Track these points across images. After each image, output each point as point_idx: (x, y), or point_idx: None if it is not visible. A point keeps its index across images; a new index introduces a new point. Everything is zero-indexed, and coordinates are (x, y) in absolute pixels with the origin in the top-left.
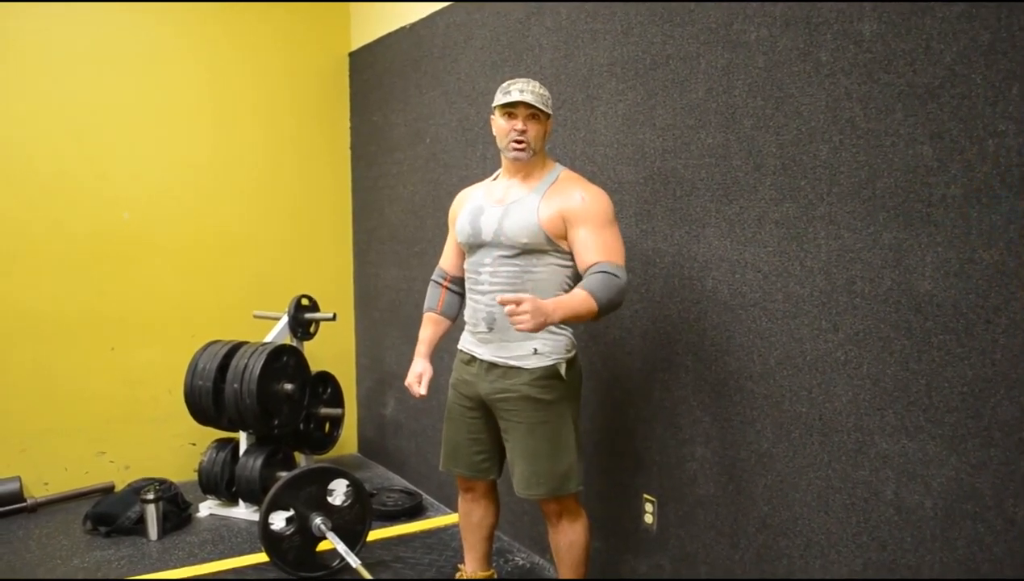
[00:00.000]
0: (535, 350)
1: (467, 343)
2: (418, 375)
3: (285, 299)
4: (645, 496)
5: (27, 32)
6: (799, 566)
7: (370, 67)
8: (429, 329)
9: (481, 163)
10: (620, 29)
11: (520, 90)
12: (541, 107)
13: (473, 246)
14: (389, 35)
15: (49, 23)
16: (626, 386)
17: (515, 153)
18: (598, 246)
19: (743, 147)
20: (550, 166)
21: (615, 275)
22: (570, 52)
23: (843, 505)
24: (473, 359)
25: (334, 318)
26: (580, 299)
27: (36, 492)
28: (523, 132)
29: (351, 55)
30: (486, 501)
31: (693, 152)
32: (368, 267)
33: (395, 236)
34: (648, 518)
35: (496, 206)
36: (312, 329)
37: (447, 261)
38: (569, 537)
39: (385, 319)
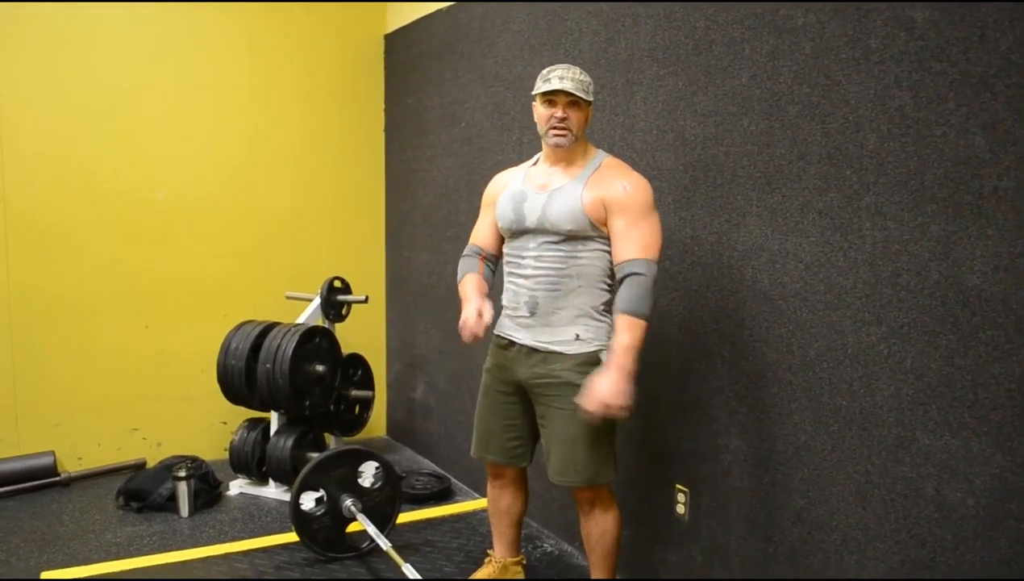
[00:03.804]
0: (577, 336)
1: (505, 328)
2: (477, 308)
3: (317, 281)
4: (678, 486)
5: (63, 12)
6: (834, 561)
7: (405, 50)
8: (474, 281)
9: (517, 148)
10: (662, 13)
11: (560, 77)
12: (581, 95)
13: (516, 232)
14: (425, 18)
15: (88, 3)
16: (661, 375)
17: (555, 139)
18: (632, 239)
19: (787, 135)
20: (592, 153)
21: (641, 274)
22: (610, 36)
23: (882, 501)
24: (511, 343)
25: (366, 301)
26: (632, 332)
27: (70, 467)
28: (563, 119)
29: (387, 37)
30: (515, 488)
31: (735, 140)
32: (400, 250)
33: (428, 219)
34: (680, 508)
35: (539, 193)
36: (344, 311)
37: (482, 239)
38: (601, 526)
39: (416, 303)
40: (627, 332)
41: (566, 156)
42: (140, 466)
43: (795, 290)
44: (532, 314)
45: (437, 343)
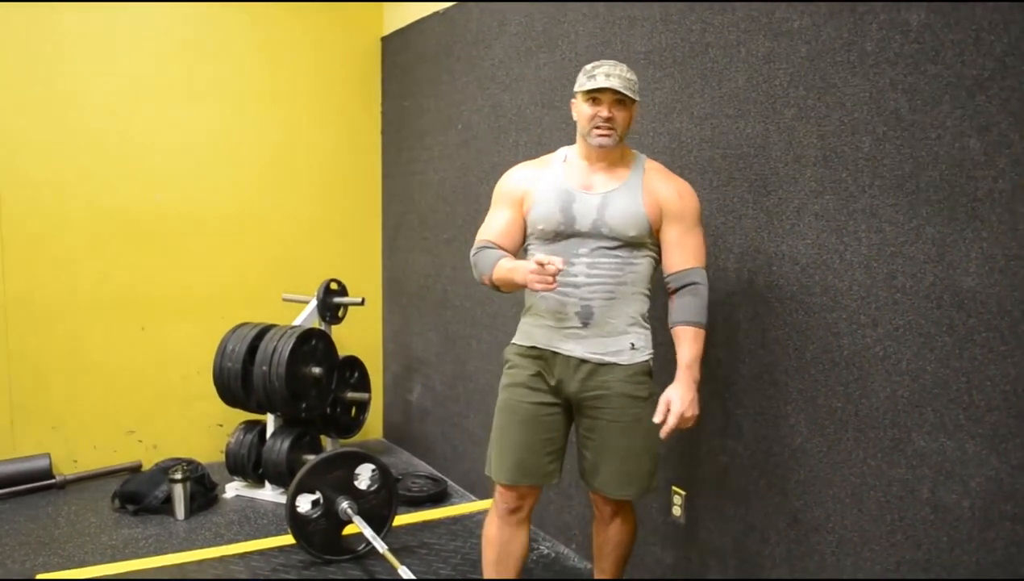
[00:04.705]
0: (632, 345)
1: (545, 339)
2: (535, 262)
3: (314, 283)
4: (674, 488)
5: (66, 11)
6: (831, 563)
7: (402, 52)
8: (510, 259)
9: (513, 149)
10: (658, 16)
11: (606, 74)
12: (628, 93)
13: (562, 234)
14: (422, 20)
15: (87, 4)
16: (657, 377)
17: (599, 140)
18: (688, 248)
19: (783, 138)
20: (631, 154)
21: (700, 284)
22: (606, 39)
23: (877, 503)
24: (555, 355)
25: (362, 303)
26: (699, 342)
27: (65, 469)
28: (609, 119)
29: (383, 40)
30: (527, 522)
31: (731, 142)
32: (397, 253)
33: (425, 222)
34: (676, 510)
35: (589, 194)
36: (340, 313)
37: (499, 237)
38: (618, 537)
39: (413, 305)
40: (695, 343)
41: (607, 156)
42: (136, 469)
43: (791, 292)
44: (585, 324)
45: (434, 346)
